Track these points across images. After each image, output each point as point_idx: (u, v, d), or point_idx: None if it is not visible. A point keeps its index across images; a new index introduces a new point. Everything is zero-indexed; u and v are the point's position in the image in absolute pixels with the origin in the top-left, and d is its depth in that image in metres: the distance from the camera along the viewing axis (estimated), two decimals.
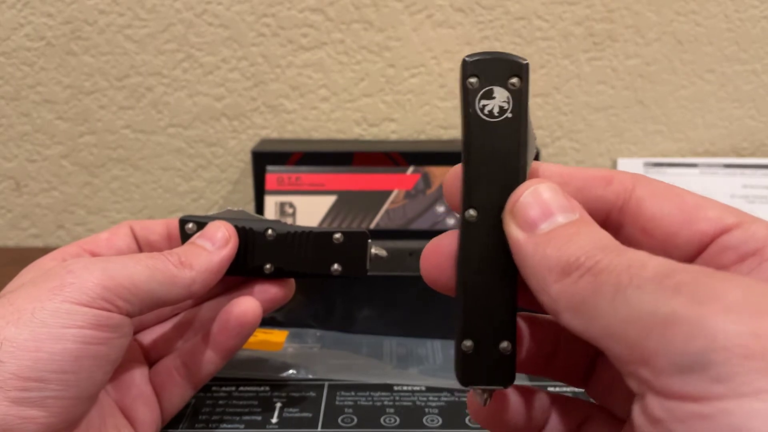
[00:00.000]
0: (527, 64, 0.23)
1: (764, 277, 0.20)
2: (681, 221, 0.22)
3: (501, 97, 0.22)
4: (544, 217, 0.21)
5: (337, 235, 0.35)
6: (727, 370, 0.16)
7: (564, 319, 0.20)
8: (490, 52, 0.23)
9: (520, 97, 0.22)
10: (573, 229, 0.20)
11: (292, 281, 0.37)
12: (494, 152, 0.22)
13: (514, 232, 0.21)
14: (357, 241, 0.36)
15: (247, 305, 0.34)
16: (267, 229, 0.35)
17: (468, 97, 0.22)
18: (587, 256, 0.19)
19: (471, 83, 0.22)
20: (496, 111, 0.22)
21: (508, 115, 0.22)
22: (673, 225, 0.22)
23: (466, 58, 0.22)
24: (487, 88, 0.22)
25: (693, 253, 0.22)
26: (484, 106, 0.22)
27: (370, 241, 0.36)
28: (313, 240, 0.35)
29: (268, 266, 0.35)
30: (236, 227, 0.34)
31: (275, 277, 0.36)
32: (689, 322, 0.16)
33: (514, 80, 0.22)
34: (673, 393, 0.16)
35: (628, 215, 0.23)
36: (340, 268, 0.36)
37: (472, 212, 0.23)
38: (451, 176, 0.24)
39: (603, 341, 0.18)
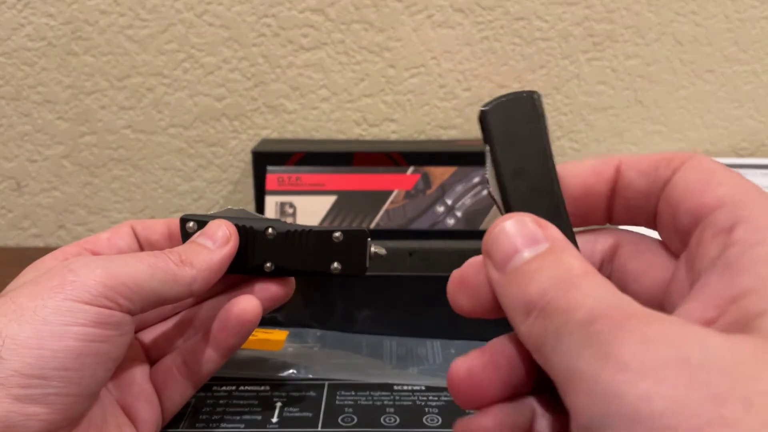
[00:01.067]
0: (539, 97, 0.24)
1: (726, 263, 0.19)
2: (697, 191, 0.22)
3: None
4: (511, 255, 0.21)
5: (337, 234, 0.36)
6: None
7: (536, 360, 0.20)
8: (503, 96, 0.24)
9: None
10: (535, 265, 0.20)
11: (292, 280, 0.37)
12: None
13: (490, 271, 0.21)
14: (357, 239, 0.36)
15: (247, 304, 0.34)
16: (267, 228, 0.35)
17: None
18: (540, 296, 0.19)
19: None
20: None
21: None
22: (690, 194, 0.22)
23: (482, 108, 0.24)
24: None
25: (694, 222, 0.22)
26: None
27: (369, 239, 0.36)
28: (313, 238, 0.36)
29: (268, 265, 0.35)
30: (237, 226, 0.35)
31: (275, 275, 0.36)
32: (590, 382, 0.16)
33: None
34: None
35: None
36: (340, 267, 0.36)
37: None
38: (459, 277, 0.24)
39: (557, 376, 0.18)
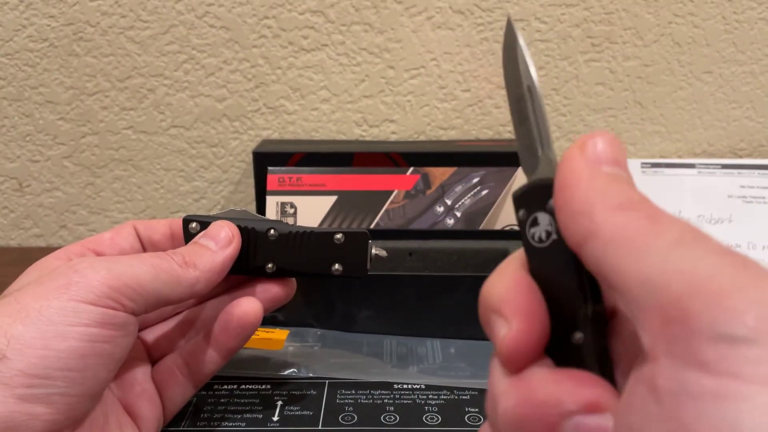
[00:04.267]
0: None
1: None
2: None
3: (544, 221, 0.22)
4: (611, 162, 0.20)
5: (338, 236, 0.36)
6: None
7: (595, 250, 0.18)
8: (531, 182, 0.23)
9: None
10: (633, 183, 0.20)
11: (293, 281, 0.37)
12: (552, 276, 0.21)
13: (576, 157, 0.20)
14: (358, 241, 0.36)
15: (248, 306, 0.34)
16: (269, 229, 0.35)
17: (522, 229, 0.22)
18: (650, 204, 0.18)
19: (520, 216, 0.22)
20: (543, 236, 0.22)
21: (554, 237, 0.21)
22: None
23: (513, 193, 0.23)
24: (532, 217, 0.22)
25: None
26: (533, 233, 0.22)
27: (370, 241, 0.36)
28: (315, 240, 0.36)
29: (270, 266, 0.36)
30: (239, 227, 0.35)
31: (277, 276, 0.36)
32: (748, 295, 0.15)
33: (551, 202, 0.22)
34: (699, 361, 0.15)
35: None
36: (341, 268, 0.36)
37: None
38: None
39: (634, 285, 0.17)
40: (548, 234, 0.22)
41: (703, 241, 0.17)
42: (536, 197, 0.22)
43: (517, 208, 0.23)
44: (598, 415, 0.18)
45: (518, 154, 0.24)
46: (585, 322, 0.21)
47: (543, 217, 0.22)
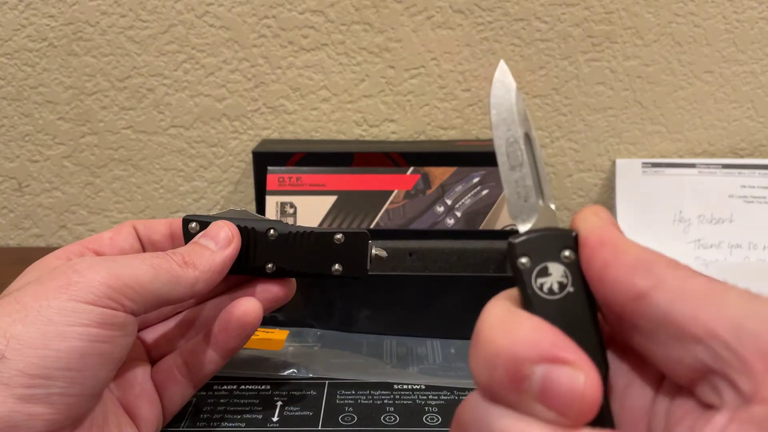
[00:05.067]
0: (577, 235, 0.22)
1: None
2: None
3: (557, 272, 0.21)
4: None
5: (338, 236, 0.36)
6: None
7: (662, 301, 0.19)
8: (535, 230, 0.22)
9: (577, 269, 0.21)
10: None
11: (293, 281, 0.37)
12: (564, 327, 0.20)
13: (597, 219, 0.21)
14: (358, 241, 0.36)
15: (248, 306, 0.34)
16: (269, 229, 0.35)
17: (523, 277, 0.21)
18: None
19: (523, 264, 0.21)
20: (555, 288, 0.21)
21: (570, 289, 0.21)
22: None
23: (511, 240, 0.22)
24: (540, 267, 0.21)
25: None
26: (542, 284, 0.21)
27: (370, 241, 0.36)
28: (315, 240, 0.36)
29: (269, 266, 0.36)
30: (239, 227, 0.35)
31: (277, 276, 0.36)
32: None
33: (567, 253, 0.21)
34: None
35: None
36: (341, 269, 0.36)
37: None
38: None
39: (724, 333, 0.18)
40: (562, 286, 0.21)
41: (758, 294, 0.18)
42: (546, 247, 0.21)
43: (516, 255, 0.22)
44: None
45: (506, 199, 0.23)
46: (603, 382, 0.20)
47: (556, 268, 0.21)
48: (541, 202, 0.23)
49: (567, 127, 0.65)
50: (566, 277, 0.21)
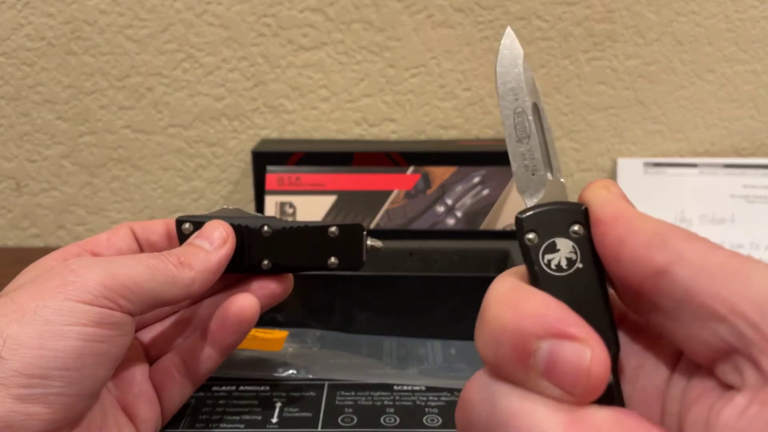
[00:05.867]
0: (587, 209, 0.21)
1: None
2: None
3: (566, 248, 0.21)
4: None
5: (333, 229, 0.36)
6: None
7: (683, 277, 0.18)
8: (543, 204, 0.21)
9: (586, 244, 0.21)
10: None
11: (290, 276, 0.37)
12: (573, 305, 0.19)
13: (608, 193, 0.21)
14: (352, 233, 0.36)
15: (244, 302, 0.34)
16: (263, 226, 0.35)
17: (530, 253, 0.21)
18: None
19: (530, 239, 0.21)
20: (564, 264, 0.21)
21: (579, 265, 0.21)
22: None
23: (519, 215, 0.21)
24: (548, 242, 0.21)
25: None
26: (549, 260, 0.21)
27: (365, 233, 0.36)
28: (309, 234, 0.36)
29: (265, 262, 0.35)
30: (232, 225, 0.35)
31: (273, 272, 0.36)
32: None
33: (576, 228, 0.21)
34: None
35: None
36: (336, 261, 0.36)
37: None
38: None
39: (749, 310, 0.17)
40: (571, 262, 0.21)
41: None
42: (554, 222, 0.21)
43: (523, 231, 0.21)
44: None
45: (513, 173, 0.22)
46: (613, 361, 0.20)
47: (564, 244, 0.21)
48: (549, 175, 0.22)
49: (568, 127, 0.65)
50: (575, 252, 0.21)
